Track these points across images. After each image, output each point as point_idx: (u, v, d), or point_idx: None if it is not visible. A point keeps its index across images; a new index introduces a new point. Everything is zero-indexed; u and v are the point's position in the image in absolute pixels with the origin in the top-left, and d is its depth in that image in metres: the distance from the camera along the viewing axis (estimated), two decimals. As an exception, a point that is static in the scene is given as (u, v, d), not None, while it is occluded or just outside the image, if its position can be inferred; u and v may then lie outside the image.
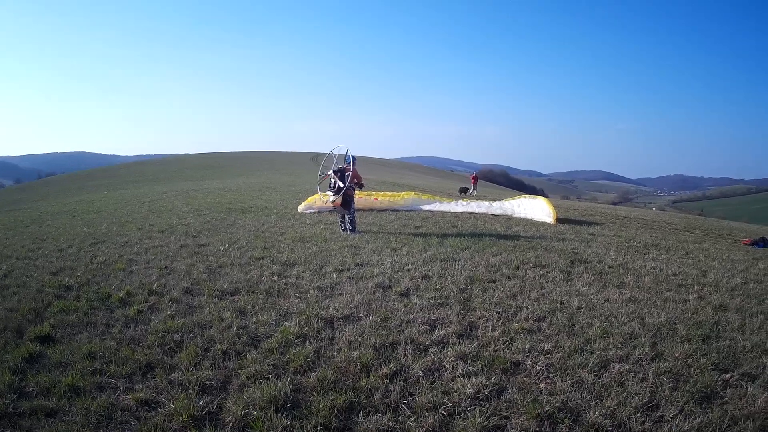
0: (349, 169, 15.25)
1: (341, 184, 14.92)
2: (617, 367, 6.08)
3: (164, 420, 4.89)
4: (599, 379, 5.80)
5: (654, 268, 11.68)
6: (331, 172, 15.34)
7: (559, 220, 19.72)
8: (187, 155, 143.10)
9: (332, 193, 15.16)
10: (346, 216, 15.20)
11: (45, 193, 52.34)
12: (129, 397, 5.29)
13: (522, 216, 20.86)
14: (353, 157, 15.54)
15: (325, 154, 16.72)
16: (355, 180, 15.54)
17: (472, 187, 42.15)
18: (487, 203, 23.11)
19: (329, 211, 18.02)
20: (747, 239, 19.96)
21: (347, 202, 15.11)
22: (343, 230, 15.11)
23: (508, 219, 20.11)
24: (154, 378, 5.70)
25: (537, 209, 20.85)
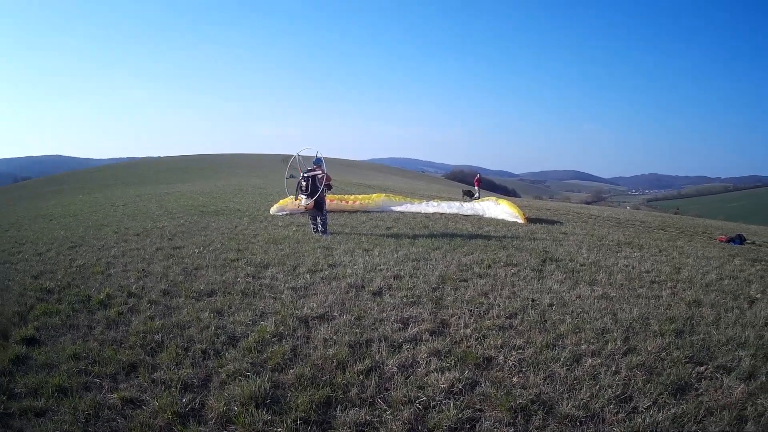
0: (321, 172, 15.17)
1: (317, 186, 15.01)
2: (589, 361, 6.17)
3: (149, 417, 4.98)
4: (572, 372, 5.89)
5: (626, 266, 11.75)
6: (302, 175, 15.29)
7: (530, 220, 19.81)
8: (158, 158, 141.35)
9: (305, 197, 15.14)
10: (318, 218, 15.21)
11: (21, 196, 51.47)
12: (114, 395, 5.36)
13: (492, 216, 20.92)
14: (321, 159, 15.53)
15: (293, 155, 16.70)
16: (328, 183, 15.54)
17: (477, 190, 39.26)
18: (458, 204, 23.11)
19: (301, 213, 17.88)
20: (723, 236, 20.23)
21: (320, 204, 15.15)
22: (315, 231, 15.10)
23: (479, 219, 20.24)
24: (138, 377, 5.77)
25: (503, 213, 20.79)
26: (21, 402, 5.28)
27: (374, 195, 23.38)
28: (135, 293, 8.86)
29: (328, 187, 15.86)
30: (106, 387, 5.59)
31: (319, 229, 15.09)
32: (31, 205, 33.61)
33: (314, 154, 15.68)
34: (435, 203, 23.31)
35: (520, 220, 19.51)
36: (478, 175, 41.96)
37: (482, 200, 23.99)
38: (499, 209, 21.36)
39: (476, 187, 39.63)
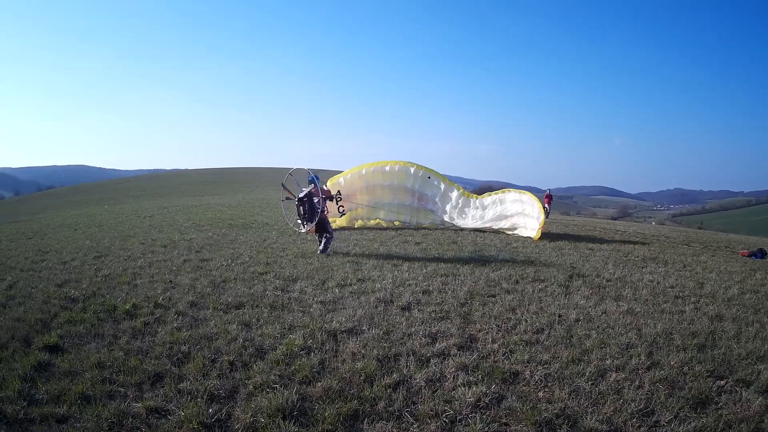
0: (316, 193, 14.57)
1: (315, 208, 14.44)
2: (614, 375, 6.29)
3: (174, 427, 5.07)
4: (596, 387, 6.00)
5: (651, 281, 11.87)
6: (297, 199, 14.69)
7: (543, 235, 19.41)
8: (186, 170, 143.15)
9: (304, 222, 14.64)
10: (324, 235, 14.69)
11: (45, 205, 52.59)
12: (139, 404, 5.47)
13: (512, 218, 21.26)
14: (316, 176, 14.94)
15: (297, 173, 16.02)
16: (325, 197, 15.11)
17: (548, 207, 36.58)
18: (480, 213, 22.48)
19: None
20: (745, 251, 20.18)
21: (322, 224, 14.70)
22: (321, 251, 14.49)
23: (507, 235, 20.38)
24: (163, 387, 5.88)
25: (529, 213, 20.80)
26: (42, 408, 5.41)
27: (402, 161, 22.63)
28: (162, 304, 9.03)
29: (331, 199, 15.64)
30: (131, 396, 5.71)
31: (319, 248, 14.62)
32: (55, 214, 34.39)
33: (309, 176, 14.94)
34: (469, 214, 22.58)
35: (534, 235, 19.50)
36: (548, 191, 39.72)
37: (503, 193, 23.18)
38: (528, 221, 20.77)
39: (547, 205, 36.98)
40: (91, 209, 36.21)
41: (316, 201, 14.52)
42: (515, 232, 20.76)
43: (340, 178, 21.58)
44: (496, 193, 22.90)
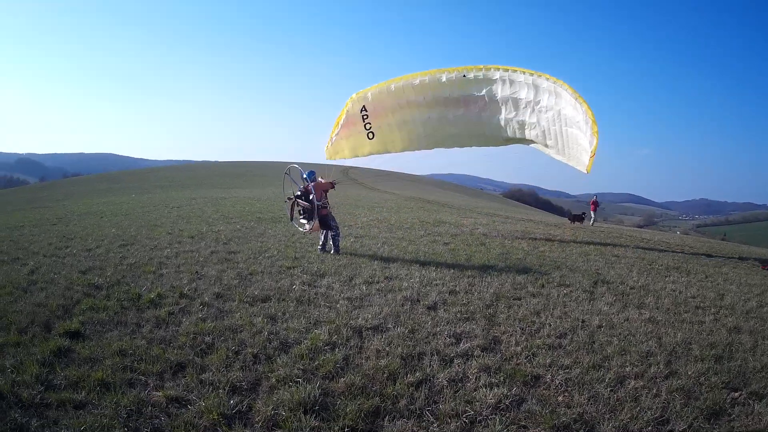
0: (310, 189, 14.00)
1: (314, 203, 13.86)
2: (632, 383, 6.38)
3: (194, 417, 5.09)
4: (615, 393, 6.09)
5: (674, 291, 11.97)
6: (294, 196, 14.51)
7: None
8: (216, 162, 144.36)
9: (305, 221, 14.34)
10: (329, 233, 14.28)
11: (70, 192, 53.17)
12: (159, 393, 5.50)
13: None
14: (312, 172, 14.56)
15: (292, 171, 15.52)
16: (324, 190, 14.40)
17: (593, 214, 36.10)
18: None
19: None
20: (766, 264, 19.93)
21: (325, 221, 14.11)
22: (322, 251, 14.06)
23: (534, 239, 20.15)
24: (185, 377, 5.92)
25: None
26: (60, 393, 5.47)
27: (432, 70, 18.41)
28: (187, 294, 9.10)
29: (332, 185, 14.66)
30: (152, 384, 5.75)
31: (327, 246, 14.19)
32: (80, 201, 34.78)
33: (303, 175, 14.40)
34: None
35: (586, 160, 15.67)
36: (594, 198, 38.10)
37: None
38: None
39: (592, 212, 36.49)
40: (117, 197, 36.57)
41: (311, 197, 13.92)
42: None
43: (368, 93, 19.02)
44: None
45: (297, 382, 5.81)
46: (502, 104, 17.61)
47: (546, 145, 17.67)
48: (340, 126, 19.00)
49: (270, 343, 6.91)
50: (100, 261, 11.72)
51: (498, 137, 18.55)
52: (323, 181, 14.39)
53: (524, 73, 17.14)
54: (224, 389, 5.62)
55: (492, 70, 17.65)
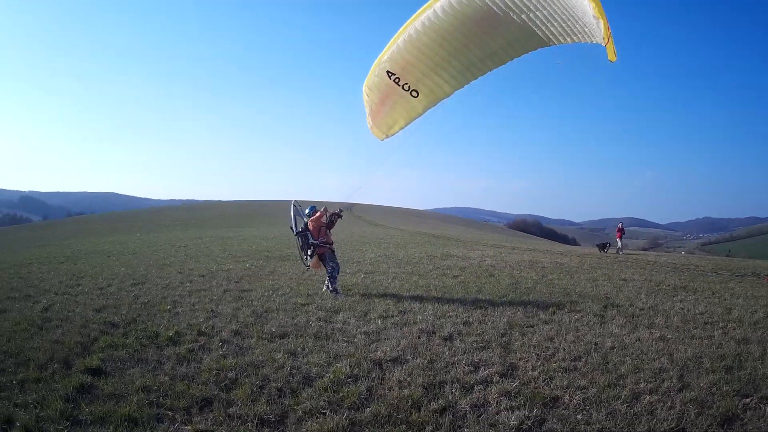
0: (309, 226, 13.79)
1: (311, 241, 13.59)
2: (647, 398, 6.65)
3: (226, 449, 5.20)
4: (631, 409, 6.34)
5: (682, 309, 12.38)
6: (296, 231, 14.05)
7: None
8: (219, 202, 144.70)
9: (307, 257, 13.99)
10: (326, 272, 13.79)
11: (74, 231, 53.44)
12: (188, 428, 5.64)
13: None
14: (312, 207, 14.24)
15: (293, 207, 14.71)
16: (323, 222, 13.82)
17: (619, 242, 36.24)
18: None
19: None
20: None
21: (321, 257, 13.78)
22: (324, 289, 13.70)
23: (543, 267, 20.49)
24: (212, 411, 6.04)
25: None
26: (86, 428, 5.60)
27: None
28: (205, 332, 9.24)
29: (333, 221, 14.14)
30: (179, 419, 5.86)
31: (327, 286, 13.61)
32: (86, 240, 34.96)
33: (305, 211, 14.16)
34: None
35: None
36: (620, 225, 36.30)
37: None
38: None
39: (618, 239, 36.50)
40: (122, 237, 36.82)
41: (309, 233, 13.68)
42: None
43: (383, 57, 14.41)
44: None
45: (324, 413, 5.95)
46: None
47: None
48: (374, 106, 15.85)
49: (293, 377, 7.04)
50: (114, 299, 11.91)
51: (526, 39, 15.05)
52: (319, 213, 13.82)
53: None
54: (252, 422, 5.74)
55: None
